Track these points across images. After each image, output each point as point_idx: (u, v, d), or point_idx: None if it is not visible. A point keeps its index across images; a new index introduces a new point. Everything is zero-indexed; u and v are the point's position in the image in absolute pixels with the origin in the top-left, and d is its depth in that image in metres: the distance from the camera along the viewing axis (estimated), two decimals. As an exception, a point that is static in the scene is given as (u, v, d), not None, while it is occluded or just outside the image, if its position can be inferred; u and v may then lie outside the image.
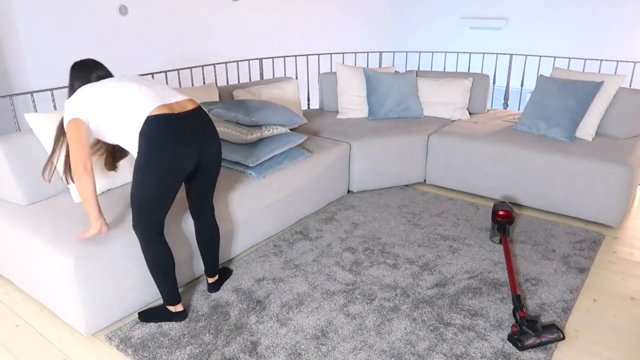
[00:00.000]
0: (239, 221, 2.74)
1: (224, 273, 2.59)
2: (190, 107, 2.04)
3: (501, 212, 2.80)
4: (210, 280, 2.47)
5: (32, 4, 3.64)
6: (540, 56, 5.19)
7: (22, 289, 2.46)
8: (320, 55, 6.03)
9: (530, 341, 2.04)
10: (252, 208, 2.81)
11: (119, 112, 1.96)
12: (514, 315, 2.19)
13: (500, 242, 2.91)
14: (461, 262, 2.74)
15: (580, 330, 2.20)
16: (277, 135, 3.07)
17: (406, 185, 3.84)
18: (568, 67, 4.33)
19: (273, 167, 2.95)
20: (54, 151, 2.19)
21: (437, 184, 3.79)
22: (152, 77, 3.92)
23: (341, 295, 2.43)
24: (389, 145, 3.61)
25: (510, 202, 3.48)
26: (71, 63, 2.19)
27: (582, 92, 3.39)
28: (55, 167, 2.26)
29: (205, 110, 2.20)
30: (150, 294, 2.34)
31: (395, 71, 4.24)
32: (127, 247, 2.18)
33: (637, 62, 4.47)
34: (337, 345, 2.09)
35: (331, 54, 5.13)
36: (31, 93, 3.26)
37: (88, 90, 2.02)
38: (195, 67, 4.28)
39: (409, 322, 2.23)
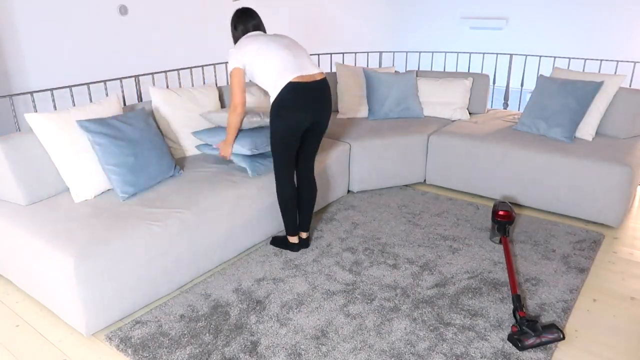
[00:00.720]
0: (239, 221, 2.74)
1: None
2: (318, 78, 2.56)
3: (501, 212, 2.80)
4: (304, 235, 2.89)
5: (32, 4, 3.64)
6: (540, 56, 5.19)
7: (22, 289, 2.46)
8: (320, 55, 6.02)
9: (530, 341, 2.04)
10: (252, 208, 2.81)
11: (269, 70, 2.52)
12: (514, 315, 2.19)
13: (500, 242, 2.91)
14: (461, 262, 2.74)
15: (580, 330, 2.20)
16: None
17: (406, 185, 3.84)
18: (568, 67, 4.33)
19: (268, 167, 2.93)
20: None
21: (437, 184, 3.79)
22: (153, 77, 3.92)
23: (341, 295, 2.43)
24: (389, 145, 3.61)
25: (510, 202, 3.48)
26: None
27: (582, 92, 3.39)
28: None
29: (327, 81, 2.64)
30: (150, 294, 2.34)
31: (395, 71, 4.24)
32: (127, 247, 2.18)
33: (637, 62, 4.47)
34: (337, 345, 2.09)
35: (331, 54, 5.13)
36: (31, 93, 3.26)
37: (247, 45, 2.57)
38: (195, 67, 4.28)
39: (409, 322, 2.23)
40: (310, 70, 2.55)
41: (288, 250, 2.86)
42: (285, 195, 2.72)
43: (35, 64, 3.74)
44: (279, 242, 2.91)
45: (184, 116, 3.11)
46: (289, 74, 2.48)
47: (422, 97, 4.13)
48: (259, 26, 2.72)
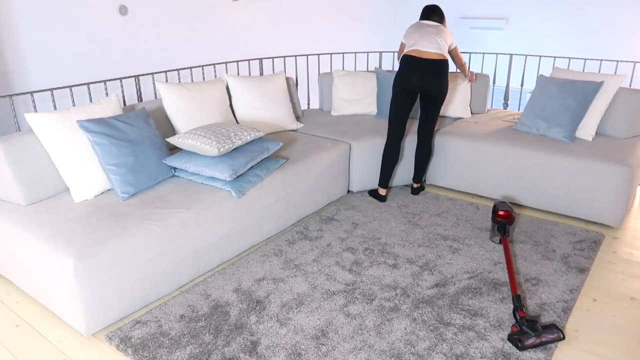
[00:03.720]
0: (239, 221, 2.74)
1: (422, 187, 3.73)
2: (434, 57, 3.18)
3: (501, 212, 2.80)
4: (415, 185, 3.62)
5: (33, 4, 3.64)
6: (540, 56, 5.19)
7: (22, 289, 2.46)
8: (320, 55, 6.02)
9: (530, 341, 2.04)
10: (252, 208, 2.81)
11: (406, 46, 3.32)
12: (514, 315, 2.19)
13: (500, 242, 2.91)
14: (461, 262, 2.73)
15: (580, 330, 2.20)
16: (251, 142, 2.90)
17: (406, 185, 3.84)
18: (568, 67, 4.33)
19: (252, 182, 2.78)
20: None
21: (437, 184, 3.79)
22: (153, 77, 3.91)
23: (341, 295, 2.43)
24: (389, 145, 3.61)
25: (510, 202, 3.48)
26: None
27: (582, 92, 3.39)
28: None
29: (442, 62, 3.22)
30: (150, 294, 2.34)
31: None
32: (127, 247, 2.18)
33: (637, 62, 4.46)
34: (337, 345, 2.09)
35: (331, 54, 5.13)
36: (31, 93, 3.25)
37: (408, 28, 3.39)
38: (195, 67, 4.28)
39: (409, 322, 2.23)
40: (428, 48, 3.17)
41: (377, 200, 3.52)
42: (387, 149, 3.40)
43: (35, 64, 3.74)
44: (373, 193, 3.58)
45: (195, 109, 3.17)
46: (409, 49, 3.24)
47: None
48: (427, 16, 3.39)
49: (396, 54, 5.61)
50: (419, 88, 3.21)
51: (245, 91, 3.62)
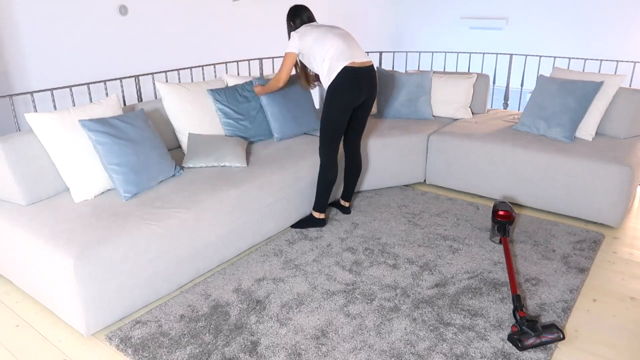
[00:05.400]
0: (239, 221, 2.74)
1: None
2: (367, 64, 2.87)
3: (501, 212, 2.80)
4: (345, 204, 3.34)
5: (33, 4, 3.64)
6: (540, 56, 5.19)
7: (22, 289, 2.46)
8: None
9: (530, 341, 2.04)
10: (252, 208, 2.81)
11: (325, 57, 2.83)
12: (514, 315, 2.19)
13: (500, 242, 2.91)
14: (461, 262, 2.73)
15: (580, 330, 2.20)
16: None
17: (406, 185, 3.84)
18: (568, 67, 4.33)
19: None
20: (303, 66, 3.19)
21: (437, 184, 3.79)
22: (153, 77, 3.91)
23: (341, 295, 2.43)
24: (389, 145, 3.61)
25: (510, 202, 3.48)
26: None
27: (582, 92, 3.39)
28: (310, 76, 3.29)
29: (374, 67, 2.95)
30: (150, 294, 2.34)
31: (406, 71, 4.30)
32: (127, 247, 2.18)
33: (637, 62, 4.46)
34: (337, 345, 2.09)
35: (331, 54, 5.12)
36: (31, 93, 3.25)
37: (307, 34, 2.90)
38: (195, 67, 4.28)
39: (409, 322, 2.23)
40: (361, 57, 2.86)
41: (316, 228, 3.14)
42: (331, 176, 3.02)
43: (35, 64, 3.74)
44: (303, 222, 3.15)
45: (195, 109, 3.16)
46: (344, 60, 2.80)
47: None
48: (311, 17, 3.07)
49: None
50: (362, 99, 2.92)
51: (245, 91, 3.62)
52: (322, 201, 3.09)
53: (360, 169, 3.24)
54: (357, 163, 3.21)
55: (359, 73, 2.82)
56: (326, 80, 2.85)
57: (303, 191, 3.16)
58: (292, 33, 2.97)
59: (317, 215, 3.12)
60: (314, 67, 2.96)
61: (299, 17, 3.05)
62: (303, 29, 2.95)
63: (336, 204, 3.42)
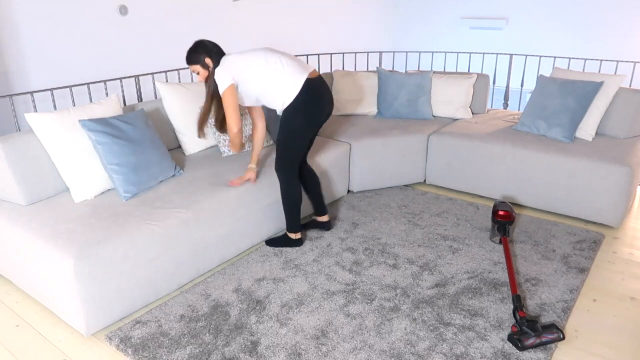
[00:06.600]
0: (239, 221, 2.74)
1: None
2: (318, 75, 2.62)
3: (501, 212, 2.80)
4: (323, 219, 3.04)
5: (33, 4, 3.64)
6: (540, 56, 5.19)
7: (22, 289, 2.46)
8: (320, 55, 6.02)
9: (530, 341, 2.04)
10: (252, 208, 2.81)
11: (275, 75, 2.50)
12: (514, 315, 2.19)
13: (500, 242, 2.91)
14: (461, 262, 2.73)
15: (580, 330, 2.20)
16: None
17: (406, 185, 3.84)
18: (568, 67, 4.33)
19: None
20: (208, 110, 2.64)
21: (437, 184, 3.79)
22: (153, 77, 3.92)
23: (341, 295, 2.43)
24: (389, 145, 3.61)
25: (510, 202, 3.48)
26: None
27: (582, 92, 3.39)
28: (209, 124, 2.94)
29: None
30: (150, 294, 2.34)
31: (406, 71, 4.28)
32: (127, 247, 2.18)
33: (637, 62, 4.46)
34: (337, 345, 2.09)
35: (331, 54, 5.13)
36: (31, 93, 3.25)
37: (238, 61, 2.52)
38: (195, 67, 4.28)
39: (409, 322, 2.23)
40: (309, 68, 2.63)
41: (292, 248, 2.89)
42: (296, 194, 2.76)
43: (35, 64, 3.74)
44: (278, 241, 2.90)
45: (195, 109, 3.17)
46: (301, 74, 2.53)
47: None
48: (221, 49, 2.62)
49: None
50: (328, 112, 2.69)
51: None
52: (293, 221, 2.83)
53: (317, 176, 2.97)
54: (312, 173, 2.95)
55: (321, 85, 2.60)
56: (286, 99, 2.52)
57: (303, 191, 3.16)
58: (216, 70, 2.51)
59: (292, 235, 2.87)
60: (257, 92, 2.57)
61: (212, 51, 2.57)
62: (223, 59, 2.54)
63: (314, 224, 3.08)
